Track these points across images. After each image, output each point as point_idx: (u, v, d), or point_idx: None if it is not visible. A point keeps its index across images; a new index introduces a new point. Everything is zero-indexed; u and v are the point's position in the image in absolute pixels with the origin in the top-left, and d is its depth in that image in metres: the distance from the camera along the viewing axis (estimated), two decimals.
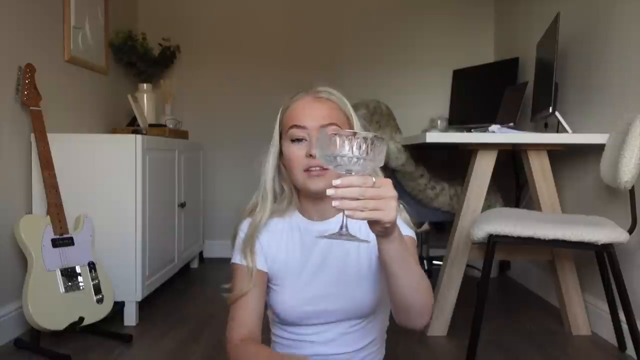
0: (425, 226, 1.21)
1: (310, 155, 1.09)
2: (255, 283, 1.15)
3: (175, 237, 2.98)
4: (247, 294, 1.15)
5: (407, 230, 1.11)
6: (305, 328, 1.18)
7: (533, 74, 2.80)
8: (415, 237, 1.13)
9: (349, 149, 0.79)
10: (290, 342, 1.20)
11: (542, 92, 2.58)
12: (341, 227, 0.86)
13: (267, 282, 1.19)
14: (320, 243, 1.16)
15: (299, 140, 1.12)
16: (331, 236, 0.86)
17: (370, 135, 0.80)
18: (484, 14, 3.91)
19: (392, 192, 0.82)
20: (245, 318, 1.15)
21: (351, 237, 0.85)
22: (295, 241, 1.19)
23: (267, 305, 1.22)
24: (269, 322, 1.28)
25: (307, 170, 1.10)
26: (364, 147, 0.79)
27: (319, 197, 1.13)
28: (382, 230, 0.85)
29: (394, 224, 0.85)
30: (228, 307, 1.18)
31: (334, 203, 0.79)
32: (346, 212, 0.80)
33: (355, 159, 0.80)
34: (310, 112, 1.13)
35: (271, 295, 1.19)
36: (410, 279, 0.95)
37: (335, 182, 0.79)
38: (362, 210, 0.79)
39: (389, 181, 0.83)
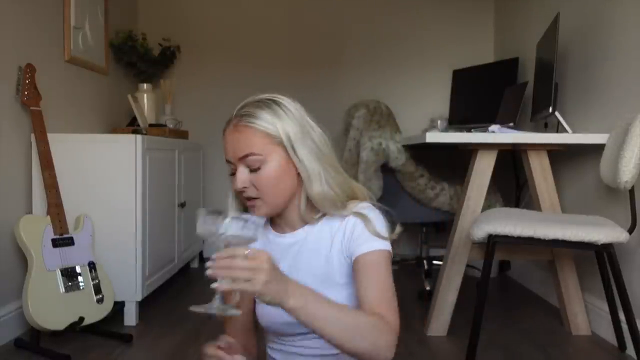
0: (399, 228, 1.21)
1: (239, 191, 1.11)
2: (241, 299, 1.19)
3: (175, 237, 2.98)
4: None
5: (376, 244, 1.09)
6: (285, 337, 1.21)
7: (533, 74, 2.81)
8: (388, 249, 1.10)
9: (220, 228, 0.89)
10: (279, 345, 1.23)
11: (542, 92, 2.58)
12: (213, 300, 0.92)
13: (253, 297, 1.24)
14: (288, 255, 1.16)
15: (233, 171, 1.12)
16: (202, 307, 0.91)
17: (236, 216, 0.92)
18: (483, 14, 3.91)
19: (263, 265, 0.87)
20: (232, 334, 1.20)
21: (221, 309, 0.92)
22: None
23: None
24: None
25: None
26: (234, 225, 0.89)
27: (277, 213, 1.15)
28: (262, 300, 0.90)
29: (268, 297, 0.89)
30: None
31: (208, 272, 0.88)
32: (213, 285, 0.88)
33: (227, 236, 0.89)
34: (231, 146, 1.10)
35: (256, 308, 1.22)
36: (339, 332, 0.97)
37: (211, 260, 0.89)
38: (229, 281, 0.87)
39: (264, 254, 0.88)
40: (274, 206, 1.12)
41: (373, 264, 1.07)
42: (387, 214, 1.16)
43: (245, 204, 1.15)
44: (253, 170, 1.09)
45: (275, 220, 1.19)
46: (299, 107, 1.14)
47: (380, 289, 1.06)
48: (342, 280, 1.12)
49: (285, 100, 1.13)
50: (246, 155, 1.08)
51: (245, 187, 1.09)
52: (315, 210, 1.14)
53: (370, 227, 1.09)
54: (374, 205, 1.15)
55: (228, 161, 1.12)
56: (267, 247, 1.19)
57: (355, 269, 1.09)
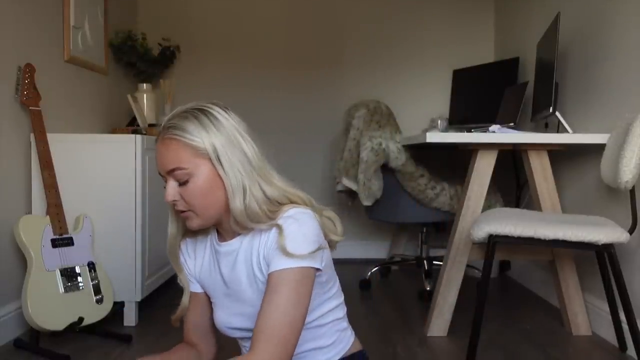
0: (340, 228, 1.19)
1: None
2: (191, 302, 1.28)
3: None
4: (187, 311, 1.29)
5: (285, 262, 1.05)
6: (242, 340, 1.25)
7: (533, 74, 2.80)
8: (298, 266, 1.05)
9: None
10: (240, 345, 1.28)
11: (542, 92, 2.58)
12: None
13: (204, 300, 1.29)
14: (228, 263, 1.17)
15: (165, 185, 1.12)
16: None
17: None
18: (484, 14, 3.91)
19: None
20: (191, 336, 1.31)
21: None
22: (212, 261, 1.22)
23: None
24: None
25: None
26: None
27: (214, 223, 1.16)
28: None
29: None
30: None
31: None
32: None
33: None
34: (159, 159, 1.09)
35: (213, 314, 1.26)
36: None
37: None
38: None
39: None
40: (206, 218, 1.11)
41: (277, 285, 1.05)
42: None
43: (179, 216, 1.16)
44: (182, 183, 1.07)
45: (217, 228, 1.20)
46: (231, 116, 1.12)
47: (273, 314, 1.03)
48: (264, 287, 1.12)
49: (214, 110, 1.10)
50: (173, 170, 1.07)
51: (175, 201, 1.09)
52: None
53: (281, 243, 1.06)
54: (307, 211, 1.11)
55: (159, 174, 1.11)
56: (211, 255, 1.22)
57: (266, 284, 1.08)
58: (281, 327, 1.02)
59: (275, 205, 1.11)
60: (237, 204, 1.07)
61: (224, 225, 1.15)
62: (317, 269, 1.09)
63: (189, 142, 1.06)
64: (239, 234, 1.15)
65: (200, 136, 1.06)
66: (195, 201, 1.08)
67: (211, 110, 1.10)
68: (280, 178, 1.14)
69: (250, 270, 1.14)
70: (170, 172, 1.07)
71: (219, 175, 1.07)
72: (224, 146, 1.07)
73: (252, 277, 1.14)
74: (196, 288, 1.27)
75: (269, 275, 1.07)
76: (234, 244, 1.16)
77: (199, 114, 1.08)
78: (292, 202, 1.13)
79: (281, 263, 1.05)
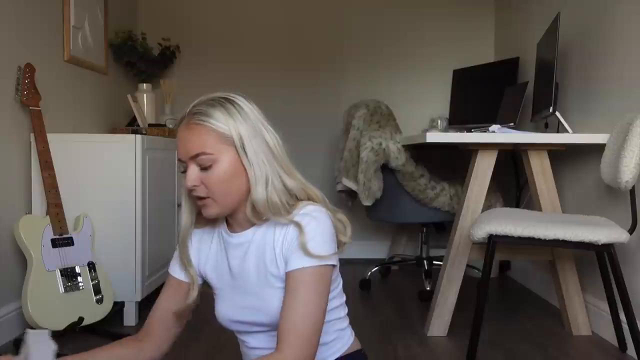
0: (349, 231, 1.18)
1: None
2: (169, 287, 1.27)
3: (175, 237, 2.97)
4: (159, 299, 1.27)
5: (306, 261, 1.06)
6: (242, 334, 1.24)
7: (533, 74, 2.80)
8: (319, 264, 1.06)
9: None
10: (239, 339, 1.27)
11: (542, 92, 2.58)
12: None
13: (183, 291, 1.26)
14: (238, 254, 1.17)
15: (185, 169, 1.11)
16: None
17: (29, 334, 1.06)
18: (484, 14, 3.91)
19: None
20: (148, 318, 1.29)
21: None
22: (221, 252, 1.22)
23: None
24: None
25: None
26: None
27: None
28: None
29: None
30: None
31: None
32: None
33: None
34: (182, 144, 1.09)
35: (215, 308, 1.25)
36: None
37: None
38: None
39: None
40: (224, 206, 1.11)
41: (297, 284, 1.06)
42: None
43: (196, 203, 1.14)
44: (204, 169, 1.08)
45: (228, 219, 1.19)
46: (254, 107, 1.13)
47: (296, 313, 1.04)
48: (280, 284, 1.12)
49: (239, 100, 1.11)
50: (197, 155, 1.07)
51: (195, 186, 1.09)
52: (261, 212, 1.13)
53: (302, 242, 1.06)
54: (323, 210, 1.11)
55: (180, 160, 1.11)
56: (220, 245, 1.21)
57: (285, 283, 1.09)
58: (305, 326, 1.04)
59: (293, 199, 1.12)
60: (259, 193, 1.08)
61: (237, 216, 1.15)
62: (334, 266, 1.11)
63: (216, 128, 1.07)
64: (252, 226, 1.15)
65: (227, 123, 1.07)
66: (216, 187, 1.08)
67: (237, 100, 1.11)
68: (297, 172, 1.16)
69: (261, 263, 1.14)
70: (194, 157, 1.08)
71: (242, 163, 1.08)
72: (249, 135, 1.09)
73: (263, 269, 1.13)
74: (183, 277, 1.25)
75: (288, 273, 1.07)
76: (246, 235, 1.16)
77: (225, 102, 1.10)
78: (309, 197, 1.14)
79: (301, 262, 1.06)
